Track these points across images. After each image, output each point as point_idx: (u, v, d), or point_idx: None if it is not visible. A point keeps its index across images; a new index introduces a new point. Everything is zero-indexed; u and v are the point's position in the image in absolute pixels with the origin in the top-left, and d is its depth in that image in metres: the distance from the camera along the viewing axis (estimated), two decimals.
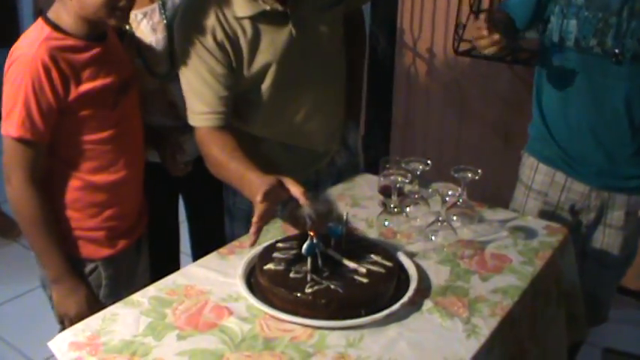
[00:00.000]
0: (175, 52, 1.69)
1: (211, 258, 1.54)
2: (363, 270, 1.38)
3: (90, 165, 1.59)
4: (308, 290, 1.31)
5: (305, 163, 1.87)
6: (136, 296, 1.38)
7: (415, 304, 1.36)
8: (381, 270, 1.40)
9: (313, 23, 1.71)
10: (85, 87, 1.51)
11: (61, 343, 1.25)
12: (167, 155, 1.86)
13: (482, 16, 1.76)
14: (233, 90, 1.65)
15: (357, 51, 2.00)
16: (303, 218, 1.40)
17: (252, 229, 1.41)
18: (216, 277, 1.45)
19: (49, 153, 1.53)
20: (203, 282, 1.44)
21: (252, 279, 1.42)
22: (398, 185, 1.62)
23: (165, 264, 1.91)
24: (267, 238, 1.54)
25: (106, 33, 1.59)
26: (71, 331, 1.28)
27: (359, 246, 1.48)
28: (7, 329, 2.67)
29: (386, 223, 1.66)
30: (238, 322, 1.30)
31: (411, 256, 1.52)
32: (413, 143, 3.39)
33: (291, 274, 1.37)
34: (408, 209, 1.69)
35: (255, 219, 1.41)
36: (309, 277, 1.35)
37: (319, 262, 1.37)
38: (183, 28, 1.64)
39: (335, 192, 1.88)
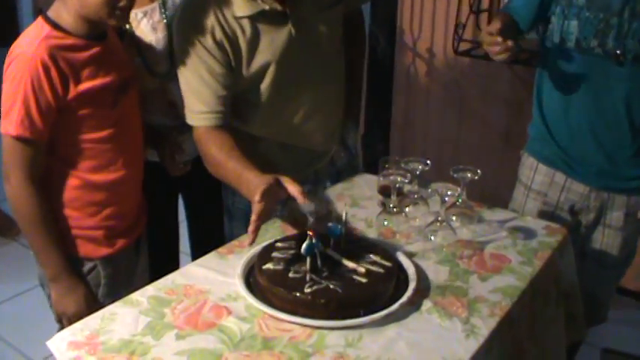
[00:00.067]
0: (175, 52, 1.69)
1: (210, 257, 1.54)
2: (362, 270, 1.38)
3: (89, 164, 1.59)
4: (307, 290, 1.31)
5: (304, 163, 1.87)
6: (135, 295, 1.38)
7: (414, 304, 1.36)
8: (380, 270, 1.40)
9: (312, 23, 1.70)
10: (85, 86, 1.51)
11: (60, 342, 1.24)
12: (166, 155, 1.85)
13: (491, 22, 1.75)
14: (232, 89, 1.65)
15: (357, 51, 2.00)
16: (302, 217, 1.40)
17: (251, 228, 1.41)
18: (215, 277, 1.45)
19: (48, 152, 1.53)
20: (202, 281, 1.43)
21: (251, 279, 1.41)
22: (397, 185, 1.62)
23: (165, 263, 1.91)
24: (266, 238, 1.54)
25: (106, 32, 1.59)
26: (70, 331, 1.28)
27: (358, 246, 1.48)
28: (6, 328, 2.67)
29: (385, 223, 1.66)
30: (237, 321, 1.30)
31: (410, 256, 1.52)
32: (412, 143, 3.39)
33: (290, 274, 1.36)
34: (407, 209, 1.70)
35: (253, 218, 1.40)
36: (308, 277, 1.35)
37: (318, 261, 1.37)
38: (183, 28, 1.64)
39: (334, 192, 1.87)
